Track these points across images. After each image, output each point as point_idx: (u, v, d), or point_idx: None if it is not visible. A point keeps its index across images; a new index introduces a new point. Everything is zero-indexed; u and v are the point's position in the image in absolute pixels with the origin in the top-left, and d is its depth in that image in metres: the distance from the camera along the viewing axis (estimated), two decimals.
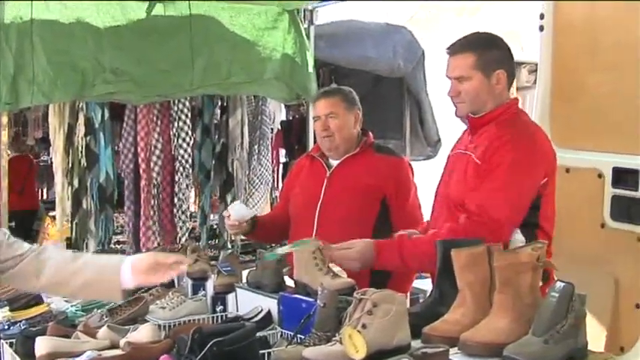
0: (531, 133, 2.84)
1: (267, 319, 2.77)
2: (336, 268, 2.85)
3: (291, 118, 6.81)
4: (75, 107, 5.15)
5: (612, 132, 3.42)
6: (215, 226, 5.87)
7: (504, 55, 2.89)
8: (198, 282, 3.19)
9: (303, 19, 5.44)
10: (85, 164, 5.15)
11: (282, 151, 6.65)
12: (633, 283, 3.28)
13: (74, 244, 5.19)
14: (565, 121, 3.61)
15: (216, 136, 5.69)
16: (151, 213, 5.36)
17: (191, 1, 4.94)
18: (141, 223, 5.37)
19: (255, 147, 5.83)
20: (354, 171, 3.51)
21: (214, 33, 5.06)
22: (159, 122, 5.38)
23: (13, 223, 5.29)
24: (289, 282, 3.08)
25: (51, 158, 5.79)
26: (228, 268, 3.15)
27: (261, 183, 5.86)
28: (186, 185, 5.51)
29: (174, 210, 5.43)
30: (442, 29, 11.36)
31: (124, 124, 5.46)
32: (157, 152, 5.37)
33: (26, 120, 7.44)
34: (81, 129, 5.14)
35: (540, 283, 2.49)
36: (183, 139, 5.43)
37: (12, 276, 2.43)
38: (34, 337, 2.62)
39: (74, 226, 5.21)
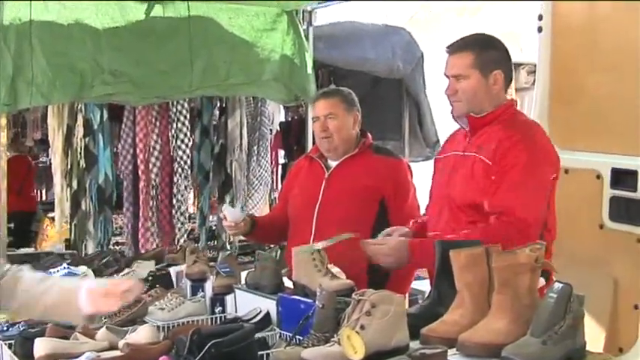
0: (536, 133, 2.88)
1: (265, 320, 2.77)
2: (335, 269, 2.85)
3: (290, 119, 6.81)
4: (74, 108, 5.15)
5: (611, 133, 3.43)
6: (214, 228, 5.87)
7: (502, 57, 2.92)
8: (197, 283, 3.19)
9: (301, 21, 5.44)
10: (84, 165, 5.15)
11: (281, 152, 6.65)
12: (632, 283, 3.28)
13: (73, 245, 5.19)
14: (564, 122, 3.61)
15: (215, 138, 5.69)
16: (150, 214, 5.36)
17: (190, 2, 4.94)
18: (140, 225, 5.37)
19: (255, 148, 5.83)
20: (353, 172, 3.51)
21: (213, 34, 5.06)
22: (158, 123, 5.38)
23: (12, 225, 5.30)
24: (288, 283, 3.09)
25: (50, 159, 5.79)
26: (227, 270, 3.15)
27: (261, 184, 5.87)
28: (185, 186, 5.51)
29: (173, 211, 5.43)
30: (442, 30, 11.35)
31: (123, 126, 5.46)
32: (156, 153, 5.37)
33: (25, 121, 7.43)
34: (80, 130, 5.14)
35: (543, 283, 2.50)
36: (182, 141, 5.43)
37: None
38: (33, 339, 2.62)
39: (73, 227, 5.22)
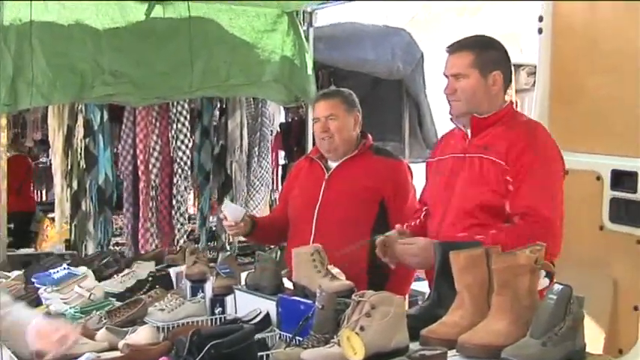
0: (543, 132, 2.90)
1: (265, 321, 2.77)
2: (335, 270, 2.85)
3: (290, 120, 6.82)
4: (74, 109, 5.16)
5: (611, 134, 3.42)
6: (214, 228, 5.87)
7: (502, 58, 2.94)
8: (197, 284, 3.19)
9: (302, 22, 5.45)
10: (84, 166, 5.16)
11: (282, 153, 6.65)
12: (632, 285, 3.28)
13: (73, 245, 5.20)
14: (564, 124, 3.61)
15: (216, 138, 5.69)
16: (150, 215, 5.37)
17: (190, 2, 4.94)
18: (140, 225, 5.38)
19: (255, 149, 5.83)
20: (353, 173, 3.51)
21: (213, 35, 5.06)
22: (158, 124, 5.38)
23: (12, 225, 5.30)
24: (288, 284, 3.08)
25: (50, 160, 5.79)
26: (227, 270, 3.15)
27: (262, 185, 5.87)
28: (185, 187, 5.51)
29: (173, 212, 5.43)
30: (442, 30, 11.34)
31: (123, 126, 5.47)
32: (156, 154, 5.37)
33: (25, 122, 7.44)
34: (80, 131, 5.15)
35: (547, 283, 2.50)
36: (182, 141, 5.44)
37: None
38: None
39: (73, 227, 5.23)
